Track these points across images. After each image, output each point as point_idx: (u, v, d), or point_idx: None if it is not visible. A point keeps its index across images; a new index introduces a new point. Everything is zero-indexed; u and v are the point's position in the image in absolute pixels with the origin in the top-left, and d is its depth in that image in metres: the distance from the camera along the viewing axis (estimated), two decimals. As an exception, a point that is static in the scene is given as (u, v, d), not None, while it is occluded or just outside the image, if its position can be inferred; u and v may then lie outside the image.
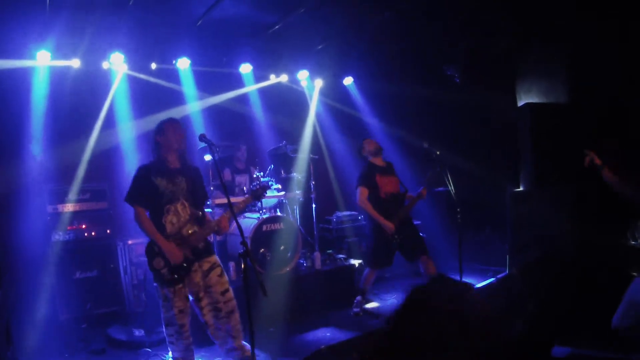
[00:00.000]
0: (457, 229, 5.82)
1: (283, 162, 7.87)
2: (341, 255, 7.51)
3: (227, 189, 6.98)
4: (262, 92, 8.75)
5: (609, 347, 4.03)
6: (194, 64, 7.63)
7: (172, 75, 7.65)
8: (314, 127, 9.41)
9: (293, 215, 7.44)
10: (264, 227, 6.55)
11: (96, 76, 6.94)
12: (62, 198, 6.33)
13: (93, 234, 6.46)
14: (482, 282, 7.08)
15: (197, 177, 4.39)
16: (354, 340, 3.90)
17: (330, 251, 7.61)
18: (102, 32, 6.46)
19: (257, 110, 8.83)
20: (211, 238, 5.53)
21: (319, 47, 8.01)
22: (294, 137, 8.74)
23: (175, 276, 4.06)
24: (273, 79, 8.70)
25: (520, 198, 7.01)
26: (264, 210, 7.01)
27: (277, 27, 7.00)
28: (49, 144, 6.58)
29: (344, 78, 9.43)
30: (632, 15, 5.60)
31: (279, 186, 7.28)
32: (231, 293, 4.26)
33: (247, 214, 7.06)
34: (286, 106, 9.12)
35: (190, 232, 4.17)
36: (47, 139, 6.57)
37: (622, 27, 5.73)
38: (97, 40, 6.58)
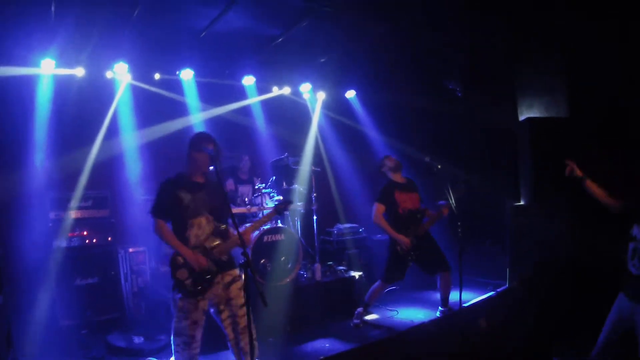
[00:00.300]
0: (458, 241, 5.83)
1: (285, 173, 7.90)
2: (342, 267, 7.53)
3: (231, 199, 7.02)
4: (265, 104, 8.81)
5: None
6: (197, 75, 7.70)
7: (176, 86, 7.71)
8: (316, 139, 9.45)
9: (294, 227, 7.45)
10: (265, 238, 6.57)
11: (100, 85, 6.99)
12: (64, 205, 6.36)
13: (94, 241, 6.48)
14: (482, 295, 7.11)
15: (220, 191, 4.37)
16: (353, 352, 3.91)
17: (331, 263, 7.61)
18: (107, 42, 6.50)
19: (260, 122, 8.88)
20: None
21: (322, 60, 8.06)
22: (296, 149, 8.77)
23: (199, 287, 4.06)
24: (276, 91, 8.75)
25: (520, 212, 7.02)
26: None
27: (280, 39, 7.06)
28: (52, 152, 6.61)
29: (346, 91, 9.49)
30: (632, 27, 5.66)
31: (281, 197, 7.30)
32: (245, 309, 4.22)
33: (248, 225, 7.07)
34: (289, 118, 9.17)
35: (213, 244, 4.17)
36: (50, 147, 6.60)
37: (622, 37, 5.79)
38: (102, 50, 6.62)
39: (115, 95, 7.17)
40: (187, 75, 7.59)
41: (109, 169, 7.15)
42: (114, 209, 6.74)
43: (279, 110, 8.99)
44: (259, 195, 6.96)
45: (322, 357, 4.05)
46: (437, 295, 6.49)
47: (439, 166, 6.13)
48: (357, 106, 9.71)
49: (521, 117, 7.30)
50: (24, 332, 5.48)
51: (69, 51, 6.49)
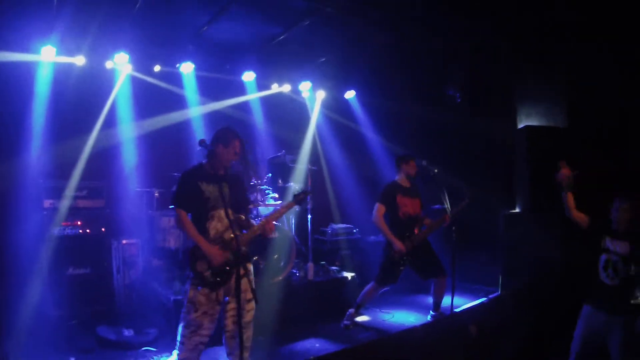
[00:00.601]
0: (452, 247, 5.82)
1: (281, 171, 7.89)
2: (334, 267, 7.52)
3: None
4: (264, 100, 8.80)
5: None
6: (197, 68, 7.68)
7: (175, 79, 7.70)
8: (314, 138, 9.45)
9: (288, 225, 7.44)
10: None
11: (100, 75, 6.97)
12: (59, 194, 6.32)
13: (88, 231, 6.44)
14: (474, 301, 7.11)
15: (239, 183, 4.41)
16: (343, 353, 3.91)
17: (324, 262, 7.60)
18: (108, 31, 6.49)
19: (258, 118, 8.86)
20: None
21: (322, 59, 8.05)
22: (293, 147, 8.77)
23: (218, 279, 4.07)
24: (275, 88, 8.74)
25: (513, 220, 7.03)
26: (259, 219, 7.00)
27: (281, 37, 7.05)
28: (48, 140, 6.57)
29: (346, 91, 9.48)
30: (629, 37, 5.68)
31: (276, 195, 7.28)
32: (253, 304, 4.23)
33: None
34: (287, 116, 9.16)
35: (232, 236, 4.15)
36: (47, 135, 6.56)
37: (622, 49, 5.80)
38: (103, 39, 6.60)
39: (115, 86, 7.15)
40: (187, 68, 7.57)
41: (105, 160, 7.11)
42: (109, 199, 6.71)
43: (277, 107, 8.98)
44: (254, 191, 6.93)
45: (311, 357, 4.03)
46: (431, 300, 6.48)
47: (436, 170, 6.10)
48: (357, 107, 9.70)
49: (520, 125, 7.31)
50: (14, 320, 5.44)
51: (70, 39, 6.46)
